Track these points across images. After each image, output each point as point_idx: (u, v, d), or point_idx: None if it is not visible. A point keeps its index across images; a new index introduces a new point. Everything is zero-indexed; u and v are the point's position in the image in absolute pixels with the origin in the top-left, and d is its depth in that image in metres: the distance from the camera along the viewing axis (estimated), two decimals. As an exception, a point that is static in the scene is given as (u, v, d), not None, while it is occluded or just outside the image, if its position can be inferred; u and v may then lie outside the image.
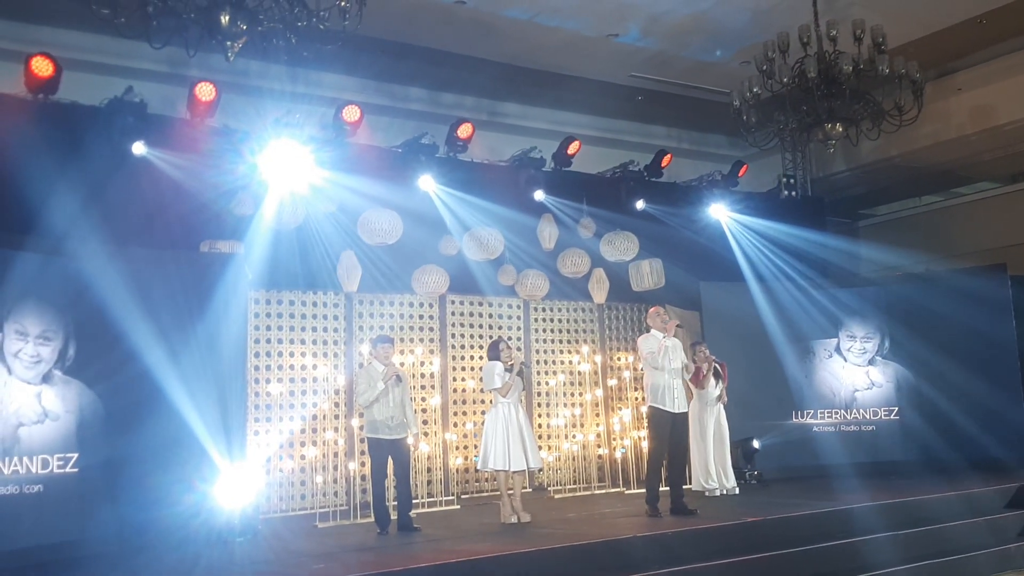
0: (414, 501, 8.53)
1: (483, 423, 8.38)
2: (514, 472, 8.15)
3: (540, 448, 9.84)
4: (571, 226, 11.21)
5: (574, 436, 11.18)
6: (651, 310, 8.91)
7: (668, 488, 8.46)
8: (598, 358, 11.66)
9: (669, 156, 11.86)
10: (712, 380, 9.96)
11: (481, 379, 10.72)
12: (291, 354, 9.88)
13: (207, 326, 7.77)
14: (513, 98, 12.08)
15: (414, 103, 11.48)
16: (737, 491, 9.82)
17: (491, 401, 8.36)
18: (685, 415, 8.56)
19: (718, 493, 9.77)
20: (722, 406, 9.97)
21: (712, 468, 9.88)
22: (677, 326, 8.74)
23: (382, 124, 10.76)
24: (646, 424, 8.94)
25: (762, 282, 11.62)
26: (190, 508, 7.49)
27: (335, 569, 6.38)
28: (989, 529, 7.98)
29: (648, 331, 8.74)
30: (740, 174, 12.38)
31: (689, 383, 10.16)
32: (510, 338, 10.82)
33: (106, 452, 7.11)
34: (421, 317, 10.83)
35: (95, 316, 7.06)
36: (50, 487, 6.85)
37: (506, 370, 8.21)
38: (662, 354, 8.38)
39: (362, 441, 9.92)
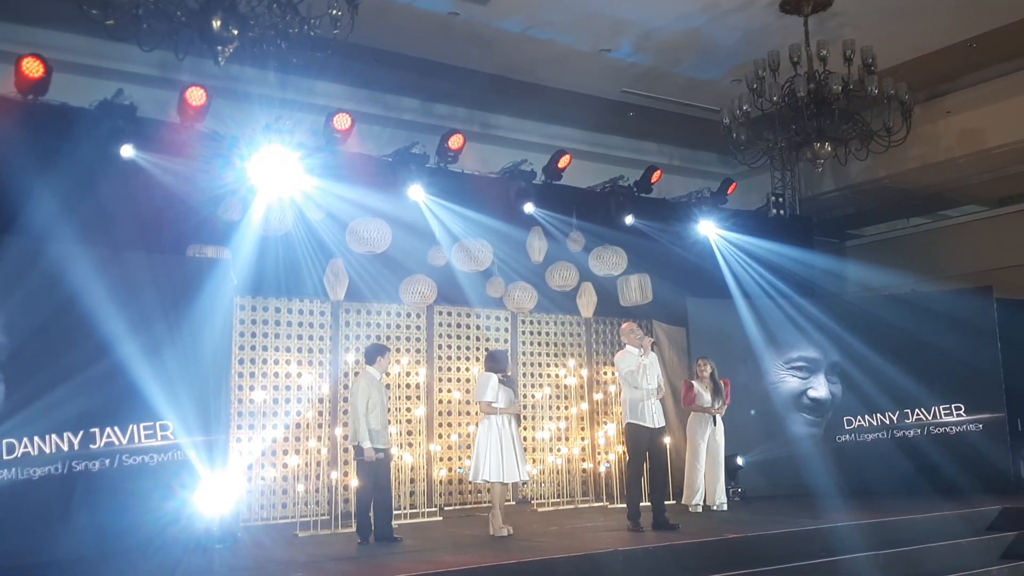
0: (396, 512, 8.50)
1: (469, 434, 8.36)
2: (504, 484, 8.13)
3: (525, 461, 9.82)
4: (560, 239, 11.22)
5: (559, 449, 11.16)
6: (624, 326, 8.86)
7: (650, 503, 8.45)
8: (584, 372, 11.66)
9: (659, 172, 11.90)
10: (707, 396, 9.93)
11: (468, 391, 10.77)
12: (276, 361, 9.83)
13: (192, 331, 7.72)
14: (505, 110, 12.10)
15: (406, 113, 11.49)
16: (725, 508, 9.80)
17: (477, 412, 8.32)
18: (663, 429, 8.54)
19: (700, 509, 9.75)
20: (721, 423, 9.96)
21: (699, 484, 9.86)
22: (652, 344, 8.71)
23: (373, 133, 10.76)
24: (624, 440, 8.92)
25: (749, 299, 11.64)
26: (170, 514, 7.43)
27: (314, 578, 6.35)
28: (970, 552, 7.96)
29: (623, 347, 8.72)
30: (729, 192, 12.43)
31: (682, 402, 10.19)
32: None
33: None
34: (408, 327, 10.80)
35: (76, 319, 7.02)
36: (29, 489, 6.82)
37: (500, 382, 8.17)
38: (640, 373, 8.35)
39: (346, 451, 9.90)
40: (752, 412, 10.53)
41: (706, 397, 9.93)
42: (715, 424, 9.93)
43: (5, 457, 6.78)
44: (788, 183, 13.62)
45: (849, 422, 11.40)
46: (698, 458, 9.89)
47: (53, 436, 7.01)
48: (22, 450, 6.87)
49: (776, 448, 11.12)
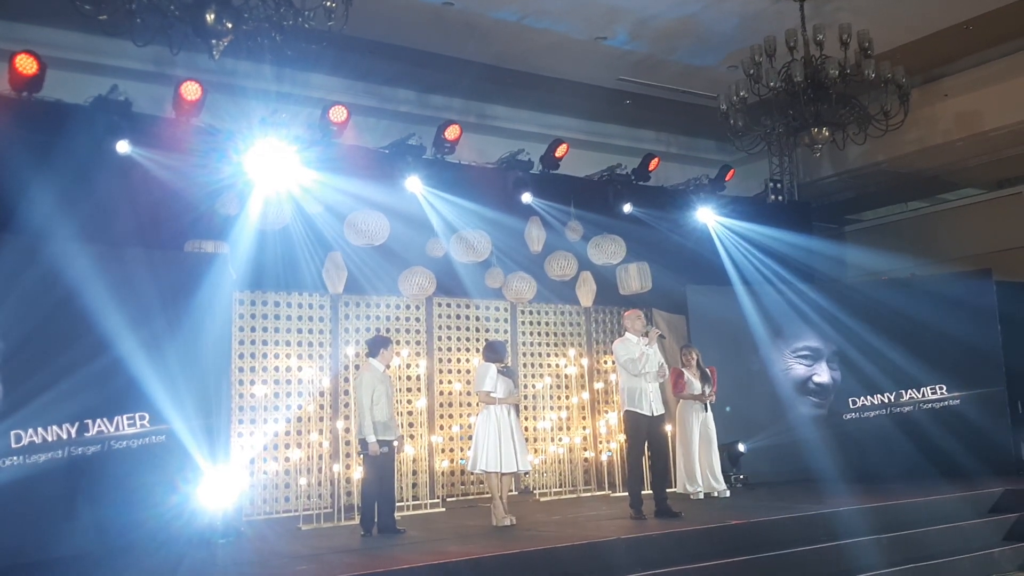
0: (398, 504, 8.50)
1: (471, 425, 8.35)
2: (503, 474, 8.13)
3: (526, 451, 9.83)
4: (558, 229, 11.19)
5: (560, 439, 11.17)
6: (628, 312, 8.77)
7: (652, 491, 8.45)
8: (584, 361, 11.65)
9: (657, 160, 11.87)
10: (697, 383, 9.94)
11: (469, 382, 10.77)
12: (276, 355, 9.83)
13: (191, 326, 7.70)
14: (501, 100, 12.06)
15: (402, 104, 11.45)
16: (728, 494, 9.80)
17: (478, 403, 8.32)
18: (662, 417, 8.48)
19: (702, 496, 9.76)
20: (710, 410, 9.97)
21: (697, 471, 9.86)
22: (660, 336, 8.67)
23: (369, 125, 10.75)
24: (623, 428, 8.91)
25: (748, 286, 11.63)
26: (173, 509, 7.43)
27: (319, 571, 6.33)
28: (973, 534, 7.99)
29: (622, 334, 8.66)
30: (727, 178, 12.40)
31: (670, 389, 10.18)
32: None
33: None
34: (407, 319, 10.80)
35: (75, 316, 7.00)
36: (34, 483, 6.82)
37: (499, 372, 8.16)
38: (644, 362, 8.30)
39: (347, 443, 9.92)
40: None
41: (696, 384, 9.94)
42: (706, 411, 9.94)
43: (13, 446, 6.79)
44: (786, 169, 13.61)
45: (853, 402, 11.42)
46: (692, 445, 9.88)
47: (54, 427, 7.00)
48: (28, 439, 6.88)
49: (779, 433, 11.11)
